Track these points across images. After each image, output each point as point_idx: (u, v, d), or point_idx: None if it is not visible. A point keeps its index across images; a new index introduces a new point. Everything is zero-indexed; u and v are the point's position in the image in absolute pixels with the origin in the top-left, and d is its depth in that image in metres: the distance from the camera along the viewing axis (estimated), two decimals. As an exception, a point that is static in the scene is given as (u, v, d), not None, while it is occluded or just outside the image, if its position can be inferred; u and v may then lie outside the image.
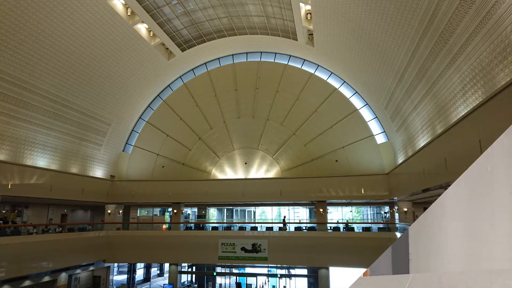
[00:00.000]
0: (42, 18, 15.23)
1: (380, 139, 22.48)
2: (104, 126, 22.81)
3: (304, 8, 18.32)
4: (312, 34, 20.03)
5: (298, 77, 23.94)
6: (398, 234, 17.40)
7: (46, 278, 17.87)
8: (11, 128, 16.81)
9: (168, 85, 25.26)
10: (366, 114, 23.00)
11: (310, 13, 18.30)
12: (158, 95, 25.35)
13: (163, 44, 21.50)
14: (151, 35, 20.57)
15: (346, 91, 23.36)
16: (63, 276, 18.92)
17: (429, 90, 13.11)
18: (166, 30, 20.37)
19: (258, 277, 22.84)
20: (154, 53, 21.48)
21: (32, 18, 14.93)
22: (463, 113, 9.26)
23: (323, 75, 23.72)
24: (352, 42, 17.43)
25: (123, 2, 17.90)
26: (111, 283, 23.65)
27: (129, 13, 18.51)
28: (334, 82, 23.57)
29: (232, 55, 24.64)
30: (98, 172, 23.49)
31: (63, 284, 18.93)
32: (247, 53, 24.63)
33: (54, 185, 18.64)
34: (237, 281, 22.60)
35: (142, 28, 19.81)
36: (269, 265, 21.68)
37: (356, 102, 23.16)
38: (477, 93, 9.88)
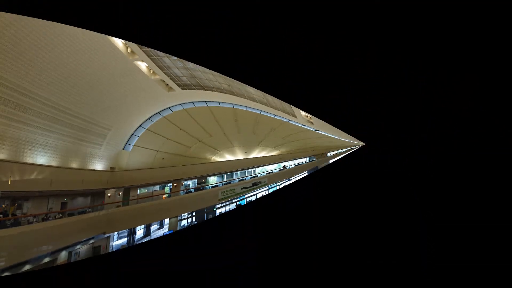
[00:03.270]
0: (40, 48, 15.06)
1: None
2: (104, 130, 23.44)
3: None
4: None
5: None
6: None
7: (46, 260, 17.27)
8: (11, 129, 17.34)
9: (169, 108, 25.04)
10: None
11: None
12: (158, 113, 25.38)
13: (163, 80, 20.87)
14: (151, 72, 19.96)
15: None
16: (63, 254, 18.76)
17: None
18: (166, 73, 19.59)
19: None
20: (154, 85, 21.01)
21: (31, 52, 14.82)
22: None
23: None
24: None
25: (123, 41, 17.25)
26: (111, 249, 23.50)
27: (129, 51, 17.93)
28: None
29: (233, 104, 23.35)
30: (98, 166, 24.45)
31: (63, 261, 18.77)
32: (247, 107, 23.29)
33: (54, 179, 19.57)
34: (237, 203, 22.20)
35: (142, 65, 19.20)
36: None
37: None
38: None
